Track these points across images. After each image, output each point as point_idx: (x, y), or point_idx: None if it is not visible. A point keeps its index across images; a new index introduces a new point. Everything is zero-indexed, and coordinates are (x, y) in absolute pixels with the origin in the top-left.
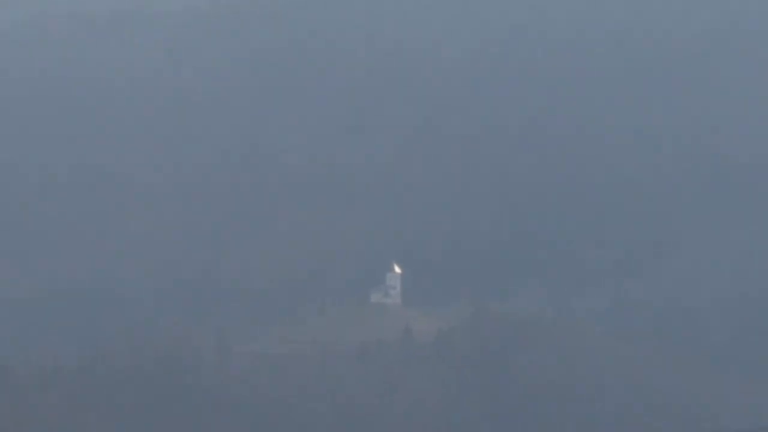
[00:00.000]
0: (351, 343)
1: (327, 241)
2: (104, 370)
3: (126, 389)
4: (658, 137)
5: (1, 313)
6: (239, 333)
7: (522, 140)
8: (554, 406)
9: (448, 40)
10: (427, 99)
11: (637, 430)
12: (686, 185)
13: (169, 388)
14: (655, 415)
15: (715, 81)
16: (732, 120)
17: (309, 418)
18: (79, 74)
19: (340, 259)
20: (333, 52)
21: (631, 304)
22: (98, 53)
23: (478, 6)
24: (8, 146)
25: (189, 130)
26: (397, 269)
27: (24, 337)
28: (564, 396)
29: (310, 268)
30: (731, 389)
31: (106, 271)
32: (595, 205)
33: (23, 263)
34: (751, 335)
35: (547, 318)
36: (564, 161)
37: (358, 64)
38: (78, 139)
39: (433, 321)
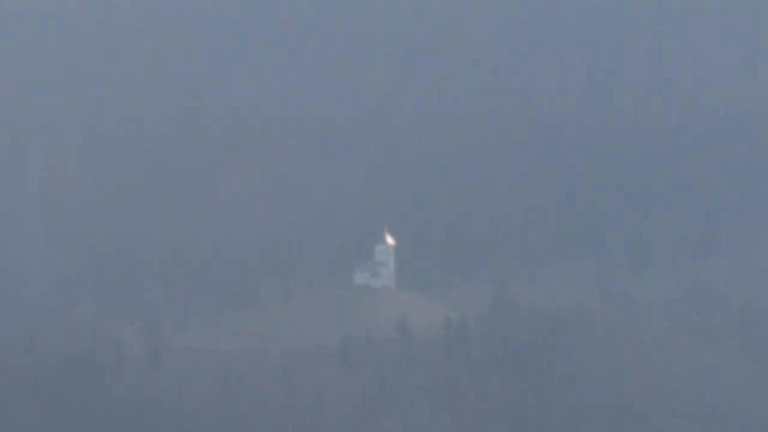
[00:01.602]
0: (328, 338)
1: (297, 203)
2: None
3: (25, 396)
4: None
5: None
6: (175, 324)
7: (561, 70)
8: (597, 423)
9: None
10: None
11: None
12: None
13: (81, 394)
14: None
15: None
16: None
17: None
18: None
19: (314, 226)
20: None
21: (702, 294)
22: None
23: None
24: None
25: (110, 73)
26: (390, 240)
27: None
28: (611, 410)
29: (273, 239)
30: None
31: (4, 245)
32: (662, 165)
33: None
34: None
35: (587, 310)
36: (614, 102)
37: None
38: None
39: (438, 310)
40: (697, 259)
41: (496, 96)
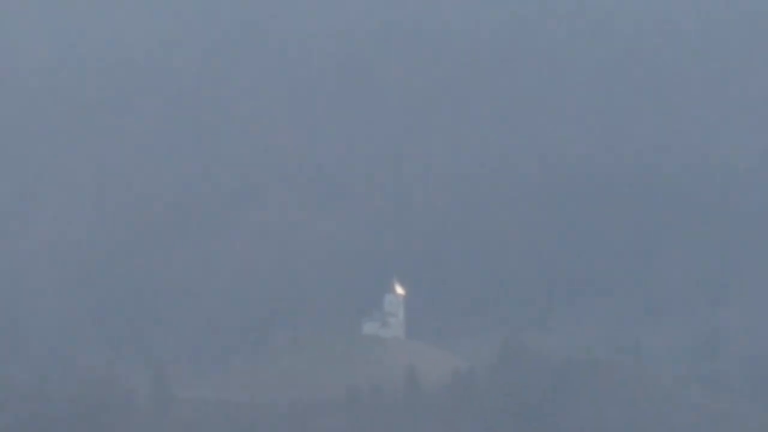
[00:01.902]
0: (336, 388)
1: (307, 252)
2: (3, 420)
3: None
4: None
5: None
6: (184, 373)
7: (571, 119)
8: None
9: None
10: (443, 65)
11: None
12: None
13: None
14: None
15: None
16: None
17: None
18: None
19: (323, 275)
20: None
21: (712, 344)
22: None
23: None
24: None
25: (124, 122)
26: (400, 290)
27: None
28: None
29: (281, 288)
30: None
31: (11, 291)
32: (672, 212)
33: None
34: None
35: (598, 359)
36: (627, 150)
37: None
38: None
39: (448, 359)
40: (706, 309)
41: (505, 148)
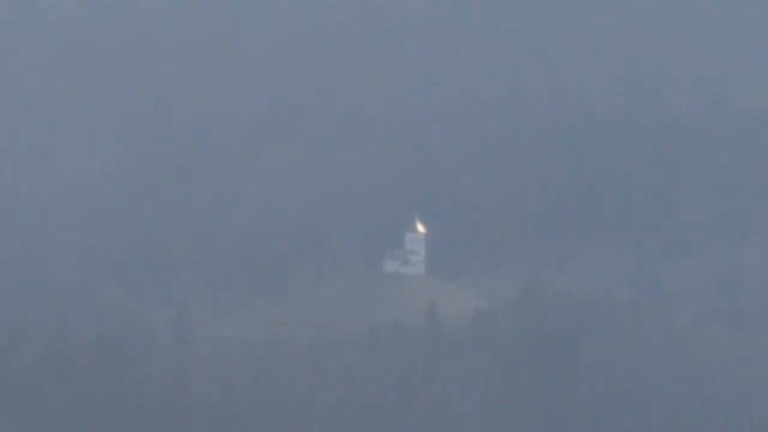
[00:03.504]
0: (358, 326)
1: (328, 191)
2: (26, 359)
3: (53, 381)
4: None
5: None
6: (205, 312)
7: (592, 51)
8: (628, 411)
9: None
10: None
11: None
12: None
13: (110, 380)
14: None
15: None
16: None
17: (296, 423)
18: None
19: (344, 214)
20: None
21: (731, 281)
22: None
23: None
24: None
25: (146, 59)
26: (421, 228)
27: None
28: (640, 399)
29: (304, 227)
30: None
31: (31, 228)
32: (694, 150)
33: None
34: None
35: (619, 297)
36: (647, 84)
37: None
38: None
39: (468, 298)
40: (725, 248)
41: (524, 89)
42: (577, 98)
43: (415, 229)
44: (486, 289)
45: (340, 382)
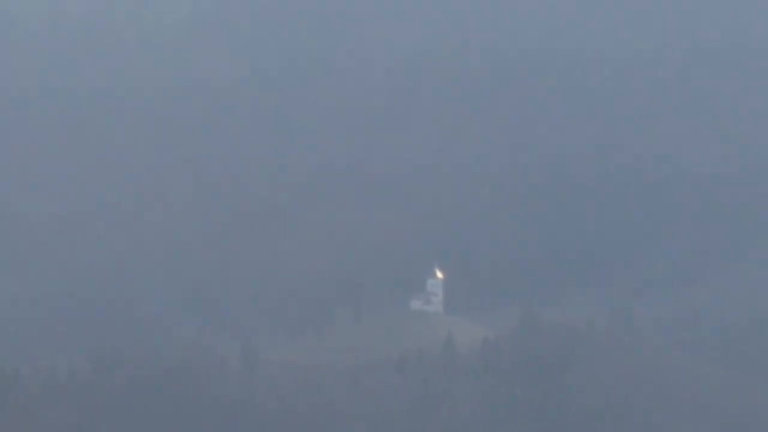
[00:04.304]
0: (389, 352)
1: (365, 244)
2: (118, 381)
3: (140, 402)
4: (730, 133)
5: (13, 319)
6: (267, 341)
7: (576, 131)
8: (609, 423)
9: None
10: (471, 88)
11: None
12: (758, 188)
13: (187, 400)
14: None
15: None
16: None
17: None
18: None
19: (378, 263)
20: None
21: (697, 314)
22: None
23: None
24: (17, 146)
25: (214, 132)
26: (439, 274)
27: (36, 343)
28: (619, 413)
29: (346, 273)
30: None
31: (121, 274)
32: (660, 208)
33: (35, 269)
34: None
35: (603, 328)
36: (623, 157)
37: (390, 55)
38: (88, 144)
39: (478, 330)
40: (685, 287)
41: (523, 154)
42: (563, 169)
43: (434, 276)
44: (492, 322)
45: (375, 398)
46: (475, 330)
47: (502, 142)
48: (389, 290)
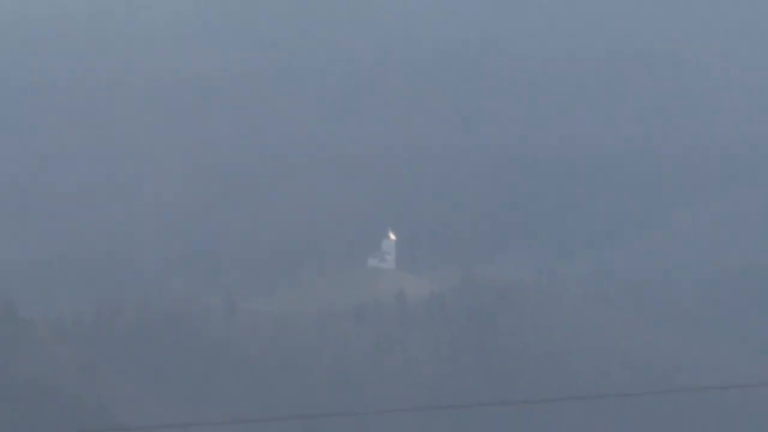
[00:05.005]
0: (350, 303)
1: (330, 212)
2: (120, 325)
3: (139, 342)
4: (637, 117)
5: (26, 272)
6: (246, 293)
7: (511, 116)
8: (536, 363)
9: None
10: (425, 82)
11: (613, 386)
12: (663, 162)
13: (178, 343)
14: (630, 372)
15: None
16: (704, 104)
17: (309, 372)
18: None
19: (341, 227)
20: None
21: (610, 272)
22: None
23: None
24: (34, 120)
25: (201, 108)
26: (392, 237)
27: (48, 293)
28: (545, 354)
29: (313, 236)
30: (703, 348)
31: (123, 236)
32: (579, 181)
33: (50, 231)
34: (721, 300)
35: (530, 283)
36: (549, 137)
37: (355, 47)
38: (92, 116)
39: (426, 284)
40: (600, 248)
41: (465, 138)
42: (501, 155)
43: (388, 238)
44: (437, 278)
45: (339, 342)
46: (423, 285)
47: (447, 127)
48: (350, 250)
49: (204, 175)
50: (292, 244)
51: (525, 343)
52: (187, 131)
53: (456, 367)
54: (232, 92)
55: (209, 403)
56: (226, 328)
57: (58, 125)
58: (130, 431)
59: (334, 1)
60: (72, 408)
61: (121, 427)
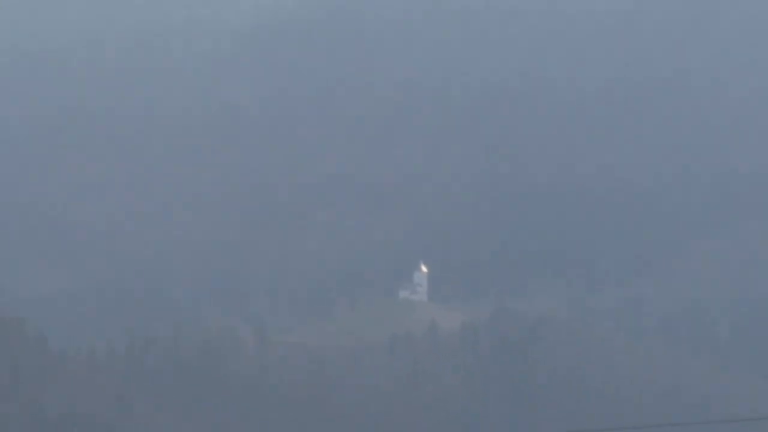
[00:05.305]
0: (381, 335)
1: (361, 243)
2: (152, 357)
3: (171, 375)
4: (666, 148)
5: (58, 305)
6: (278, 325)
7: (541, 148)
8: (568, 395)
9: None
10: (458, 112)
11: (645, 417)
12: (692, 192)
13: (210, 376)
14: (662, 403)
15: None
16: (732, 134)
17: (341, 404)
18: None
19: (372, 259)
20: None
21: (641, 303)
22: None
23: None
24: (52, 146)
25: (233, 136)
26: (424, 268)
27: (80, 326)
28: (577, 387)
29: (345, 268)
30: (736, 378)
31: (154, 268)
32: (609, 213)
33: (82, 263)
34: (753, 330)
35: (561, 315)
36: (579, 170)
37: (386, 80)
38: (123, 147)
39: (457, 316)
40: (630, 280)
41: (496, 170)
42: (534, 182)
43: (420, 270)
44: (469, 310)
45: (370, 374)
46: (454, 317)
47: (480, 158)
48: (381, 282)
49: (236, 206)
50: (324, 276)
51: (557, 375)
52: (218, 161)
53: (487, 399)
54: (264, 122)
55: None
56: (258, 359)
57: (88, 157)
58: None
59: (367, 31)
60: None
61: None
